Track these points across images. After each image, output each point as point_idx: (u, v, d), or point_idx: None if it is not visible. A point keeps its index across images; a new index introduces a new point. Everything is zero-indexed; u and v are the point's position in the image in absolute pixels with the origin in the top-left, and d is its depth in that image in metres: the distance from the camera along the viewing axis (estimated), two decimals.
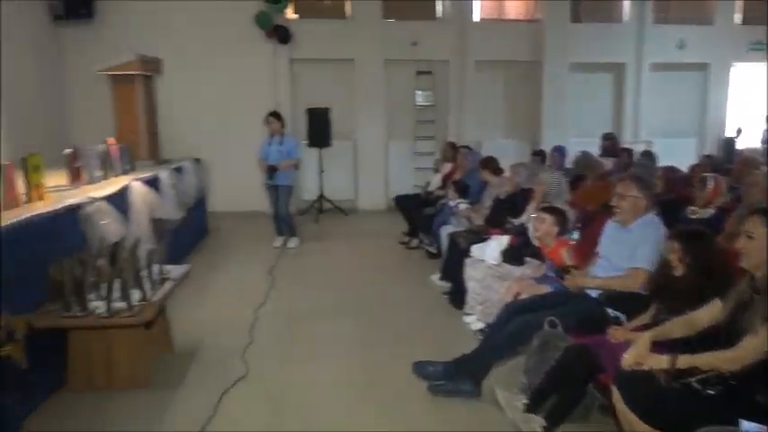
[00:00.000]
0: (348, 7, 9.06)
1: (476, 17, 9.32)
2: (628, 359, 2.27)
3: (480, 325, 3.92)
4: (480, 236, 4.52)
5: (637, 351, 2.27)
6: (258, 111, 7.13)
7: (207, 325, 4.24)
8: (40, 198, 3.79)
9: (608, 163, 6.64)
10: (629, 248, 3.02)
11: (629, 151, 7.34)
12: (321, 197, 8.60)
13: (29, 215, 3.29)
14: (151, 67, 6.48)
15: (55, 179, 4.45)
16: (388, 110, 9.26)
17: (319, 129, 8.35)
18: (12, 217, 3.22)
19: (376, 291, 5.13)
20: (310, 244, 6.84)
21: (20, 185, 3.65)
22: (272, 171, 6.41)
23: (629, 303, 2.92)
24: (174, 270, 3.73)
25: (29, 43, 7.59)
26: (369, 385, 3.36)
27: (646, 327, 2.59)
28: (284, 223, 6.72)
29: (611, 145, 7.99)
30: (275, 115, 6.58)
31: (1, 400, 2.75)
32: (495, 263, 4.00)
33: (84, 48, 8.24)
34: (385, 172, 9.34)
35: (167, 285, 3.47)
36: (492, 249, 4.06)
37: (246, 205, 8.29)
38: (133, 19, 8.25)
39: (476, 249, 4.19)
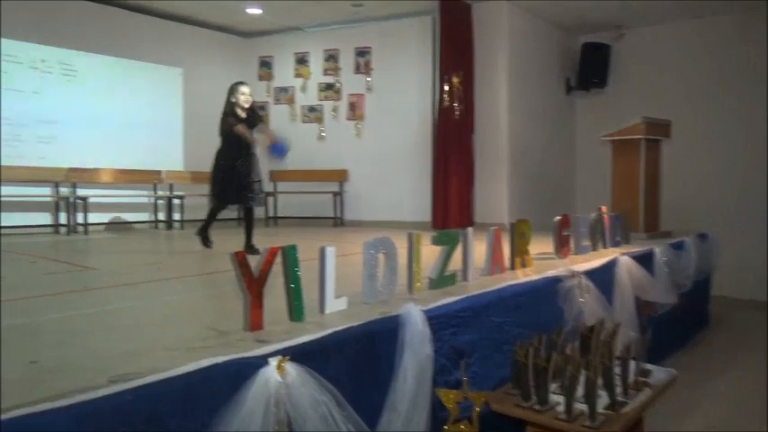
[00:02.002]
0: None
1: None
2: None
3: None
4: None
5: None
6: None
7: None
8: (523, 266, 3.68)
9: None
10: None
11: None
12: None
13: (507, 284, 3.18)
14: (658, 130, 5.91)
15: (544, 245, 4.36)
16: None
17: None
18: (493, 283, 3.17)
19: None
20: None
21: (505, 251, 3.63)
22: None
23: None
24: (658, 373, 3.00)
25: (546, 112, 8.14)
26: None
27: None
28: None
29: None
30: None
31: None
32: None
33: (593, 115, 8.38)
34: None
35: (645, 393, 2.77)
36: None
37: (760, 294, 6.70)
38: (643, 84, 7.94)
39: None
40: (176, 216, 8.19)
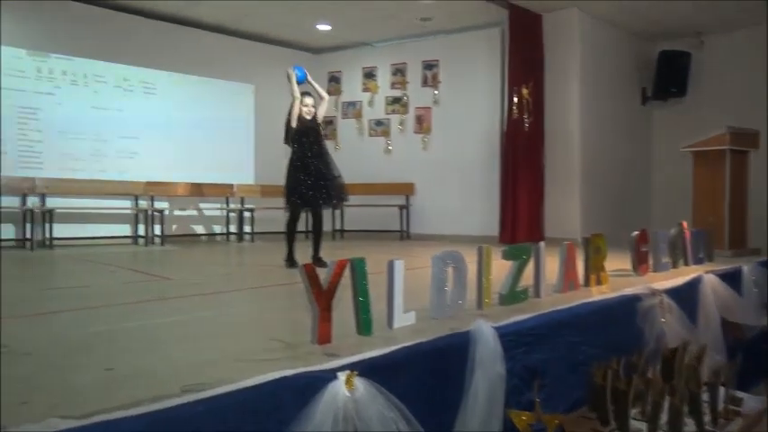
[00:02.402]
0: None
1: None
2: None
3: None
4: None
5: None
6: None
7: None
8: (598, 283, 3.52)
9: None
10: None
11: None
12: None
13: (582, 301, 3.04)
14: (744, 141, 5.57)
15: (620, 262, 4.16)
16: None
17: None
18: (567, 300, 3.03)
19: None
20: None
21: (579, 267, 3.48)
22: None
23: None
24: (750, 401, 2.78)
25: (620, 123, 7.86)
26: None
27: None
28: None
29: None
30: None
31: None
32: None
33: (671, 125, 8.03)
34: None
35: (737, 423, 2.57)
36: None
37: None
38: (726, 93, 7.53)
39: None
40: (247, 228, 8.39)
